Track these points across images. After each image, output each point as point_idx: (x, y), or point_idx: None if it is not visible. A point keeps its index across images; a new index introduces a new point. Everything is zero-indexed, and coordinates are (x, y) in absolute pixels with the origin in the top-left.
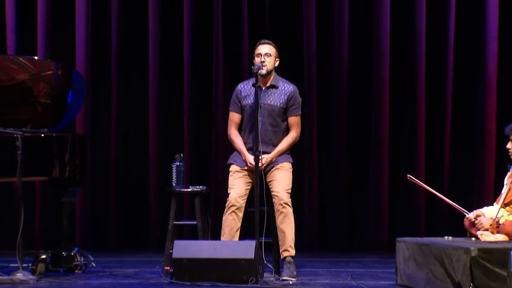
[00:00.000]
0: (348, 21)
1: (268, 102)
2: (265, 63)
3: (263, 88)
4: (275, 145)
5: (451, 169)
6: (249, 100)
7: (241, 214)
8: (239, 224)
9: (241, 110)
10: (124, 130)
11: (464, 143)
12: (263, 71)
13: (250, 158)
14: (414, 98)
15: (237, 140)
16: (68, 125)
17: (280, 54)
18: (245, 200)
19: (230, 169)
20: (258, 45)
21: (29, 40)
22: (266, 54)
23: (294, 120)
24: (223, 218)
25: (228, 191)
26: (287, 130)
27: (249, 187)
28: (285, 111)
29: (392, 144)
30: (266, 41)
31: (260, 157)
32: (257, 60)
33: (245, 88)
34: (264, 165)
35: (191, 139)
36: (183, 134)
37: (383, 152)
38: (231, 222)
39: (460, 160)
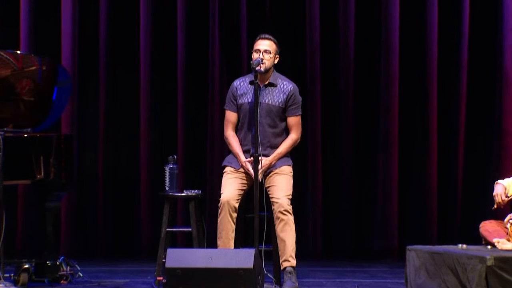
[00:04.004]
0: (355, 12)
1: (266, 101)
2: (264, 60)
3: (261, 86)
4: (273, 147)
5: (466, 171)
6: (246, 99)
7: (235, 215)
8: (234, 226)
9: (237, 109)
10: (113, 130)
11: (480, 144)
12: (262, 69)
13: (249, 166)
14: (426, 95)
15: (234, 142)
16: (53, 124)
17: (281, 48)
18: (238, 201)
19: (224, 170)
20: (258, 40)
21: (11, 33)
22: (266, 51)
23: (294, 121)
24: (218, 221)
25: (221, 192)
26: (286, 132)
27: (244, 188)
28: (284, 111)
29: (402, 145)
30: (266, 36)
31: (259, 159)
32: (255, 56)
33: (242, 85)
34: (263, 169)
35: (186, 139)
36: (176, 135)
37: (392, 154)
38: (226, 224)
39: (475, 162)
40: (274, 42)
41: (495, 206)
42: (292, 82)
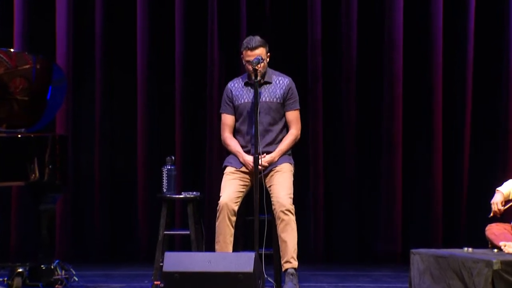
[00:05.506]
0: (357, 9)
1: (264, 99)
2: (260, 67)
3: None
4: (277, 144)
5: (471, 172)
6: (243, 99)
7: (234, 218)
8: (233, 230)
9: (234, 111)
10: (109, 130)
11: (485, 144)
12: (259, 77)
13: (249, 159)
14: (430, 95)
15: (232, 142)
16: (48, 124)
17: (282, 48)
18: (238, 203)
19: (224, 171)
20: (246, 51)
21: (5, 31)
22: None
23: (293, 116)
24: (216, 224)
25: (220, 194)
26: (287, 128)
27: (244, 190)
28: (282, 105)
29: (406, 145)
30: (253, 44)
31: (260, 157)
32: (249, 67)
33: (236, 86)
34: (265, 164)
35: (184, 140)
36: (174, 135)
37: (396, 155)
38: (224, 228)
39: (480, 163)
40: (263, 45)
41: (492, 214)
42: (287, 76)
